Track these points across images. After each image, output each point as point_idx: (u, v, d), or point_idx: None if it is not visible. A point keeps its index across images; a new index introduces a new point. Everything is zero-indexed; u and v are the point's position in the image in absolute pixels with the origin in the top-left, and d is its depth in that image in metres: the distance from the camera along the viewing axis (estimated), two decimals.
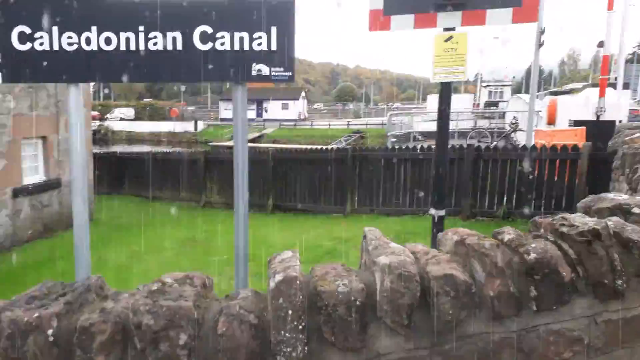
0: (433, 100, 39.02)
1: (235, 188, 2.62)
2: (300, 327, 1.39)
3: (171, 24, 2.37)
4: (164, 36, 2.38)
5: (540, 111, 16.13)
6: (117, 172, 14.07)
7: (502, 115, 29.14)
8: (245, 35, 2.38)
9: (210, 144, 40.80)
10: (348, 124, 52.60)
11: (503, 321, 1.48)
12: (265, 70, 2.42)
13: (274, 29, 2.38)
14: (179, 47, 2.39)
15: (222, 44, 2.39)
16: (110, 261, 6.37)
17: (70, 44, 2.36)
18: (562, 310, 1.50)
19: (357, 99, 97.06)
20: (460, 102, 34.20)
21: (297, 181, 9.85)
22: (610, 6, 10.36)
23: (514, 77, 50.12)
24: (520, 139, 14.34)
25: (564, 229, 1.57)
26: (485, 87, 45.64)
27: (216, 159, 11.64)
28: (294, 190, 9.95)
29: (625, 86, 10.05)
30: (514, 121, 17.07)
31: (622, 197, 1.78)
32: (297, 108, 64.89)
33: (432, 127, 25.67)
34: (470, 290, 1.44)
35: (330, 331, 1.41)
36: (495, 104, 39.86)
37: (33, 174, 8.80)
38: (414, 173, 8.16)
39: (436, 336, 1.45)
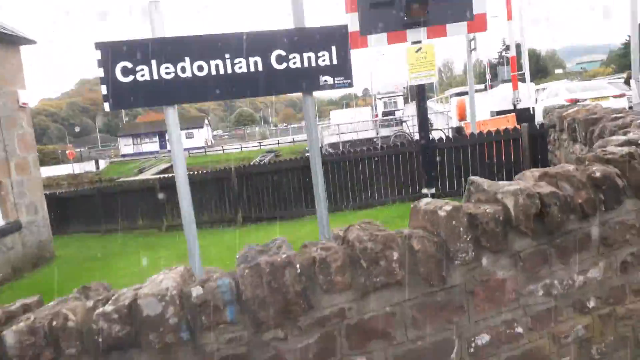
0: (336, 116, 41.45)
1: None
2: (468, 238, 1.96)
3: (252, 50, 2.84)
4: (246, 60, 2.84)
5: (449, 111, 18.24)
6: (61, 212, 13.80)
7: (400, 122, 31.81)
8: (312, 54, 2.92)
9: (119, 180, 39.51)
10: (260, 145, 53.81)
11: (587, 219, 2.15)
12: (330, 80, 2.97)
13: (333, 48, 2.94)
14: (260, 67, 2.86)
15: (295, 63, 2.90)
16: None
17: (168, 74, 2.73)
18: (619, 208, 2.22)
19: (256, 123, 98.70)
20: (362, 115, 36.70)
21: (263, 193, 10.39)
22: (509, 16, 12.45)
23: (404, 87, 54.16)
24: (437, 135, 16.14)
25: (609, 156, 2.29)
26: (380, 99, 48.85)
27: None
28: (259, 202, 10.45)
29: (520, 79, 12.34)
30: (430, 122, 19.10)
31: (630, 136, 2.58)
32: (203, 135, 64.69)
33: (338, 138, 27.53)
34: (566, 199, 2.10)
35: (486, 239, 1.99)
36: (392, 112, 42.70)
37: None
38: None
39: (549, 234, 2.09)
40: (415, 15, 4.71)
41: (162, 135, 61.20)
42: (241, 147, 54.26)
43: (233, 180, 10.55)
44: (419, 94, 5.16)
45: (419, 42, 4.99)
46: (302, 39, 2.91)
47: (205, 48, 2.78)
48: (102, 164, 52.35)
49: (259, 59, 2.85)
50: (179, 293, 1.85)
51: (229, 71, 2.81)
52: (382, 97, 48.58)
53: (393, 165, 8.28)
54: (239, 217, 10.59)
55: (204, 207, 11.13)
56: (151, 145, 61.58)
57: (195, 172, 12.02)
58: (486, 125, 8.40)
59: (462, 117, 15.88)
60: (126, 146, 61.13)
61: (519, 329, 2.12)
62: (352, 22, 4.79)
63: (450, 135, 10.96)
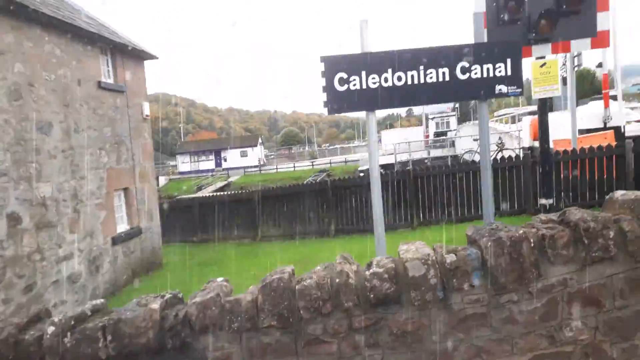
0: (387, 135, 41.43)
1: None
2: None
3: (441, 62, 3.30)
4: (436, 71, 3.30)
5: (521, 130, 18.18)
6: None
7: (452, 144, 31.53)
8: (490, 66, 3.35)
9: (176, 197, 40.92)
10: (312, 165, 54.30)
11: None
12: (504, 89, 3.38)
13: (509, 60, 3.36)
14: (447, 78, 3.32)
15: (476, 73, 3.34)
16: None
17: (374, 83, 3.23)
18: None
19: (301, 142, 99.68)
20: (413, 135, 36.43)
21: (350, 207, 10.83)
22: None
23: (456, 107, 53.21)
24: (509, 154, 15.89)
25: None
26: (432, 119, 48.23)
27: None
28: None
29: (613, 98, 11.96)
30: (499, 142, 18.95)
31: None
32: (257, 154, 65.70)
33: (388, 160, 27.50)
34: None
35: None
36: (444, 133, 42.12)
37: (120, 223, 9.24)
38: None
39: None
40: (542, 32, 5.05)
41: (217, 153, 62.56)
42: (294, 166, 54.93)
43: (328, 192, 11.02)
44: (541, 108, 5.48)
45: (543, 57, 5.32)
46: (482, 52, 3.35)
47: (403, 61, 3.27)
48: (162, 180, 53.86)
49: (446, 70, 3.31)
50: (437, 259, 2.30)
51: (422, 81, 3.28)
52: (435, 117, 48.10)
53: (500, 179, 8.53)
54: (332, 229, 11.07)
55: (299, 218, 11.60)
56: (207, 163, 63.02)
57: (290, 185, 12.45)
58: (581, 142, 8.47)
59: (536, 137, 15.81)
60: (184, 164, 62.82)
61: None
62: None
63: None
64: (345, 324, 2.26)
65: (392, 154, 29.70)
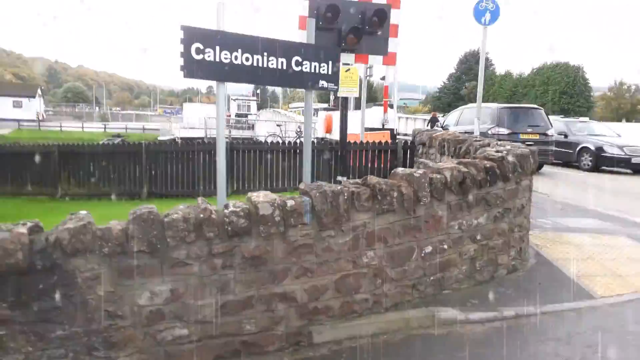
0: (189, 109, 40.85)
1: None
2: (427, 191, 3.48)
3: (281, 53, 3.99)
4: (277, 59, 3.98)
5: (316, 123, 20.60)
6: None
7: (252, 127, 33.24)
8: (317, 64, 4.19)
9: None
10: (105, 128, 50.19)
11: (481, 189, 3.86)
12: (325, 84, 4.26)
13: (330, 62, 4.25)
14: (284, 66, 4.02)
15: (306, 67, 4.12)
16: None
17: (225, 58, 3.73)
18: (494, 185, 3.98)
19: (87, 102, 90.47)
20: (212, 112, 36.80)
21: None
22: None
23: (257, 92, 55.42)
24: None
25: (491, 156, 4.06)
26: (234, 100, 49.22)
27: None
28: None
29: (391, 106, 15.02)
30: (298, 130, 21.00)
31: (498, 148, 4.43)
32: (34, 107, 57.13)
33: (191, 133, 27.60)
34: (473, 177, 3.77)
35: (435, 192, 3.55)
36: (245, 115, 43.57)
37: None
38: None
39: (464, 194, 3.73)
40: (349, 44, 6.24)
41: None
42: (82, 127, 49.69)
43: (142, 156, 10.81)
44: (343, 105, 6.74)
45: (349, 64, 6.54)
46: (312, 51, 4.16)
47: (252, 45, 3.83)
48: None
49: (284, 60, 4.01)
50: (280, 203, 2.98)
51: (265, 65, 3.90)
52: (237, 99, 48.95)
53: (296, 159, 9.68)
54: (144, 191, 10.86)
55: (111, 179, 11.22)
56: None
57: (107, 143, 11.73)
58: (366, 138, 10.39)
59: (328, 130, 18.18)
60: None
61: (444, 246, 3.71)
62: (301, 39, 6.08)
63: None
64: (206, 250, 2.76)
65: (193, 127, 29.57)
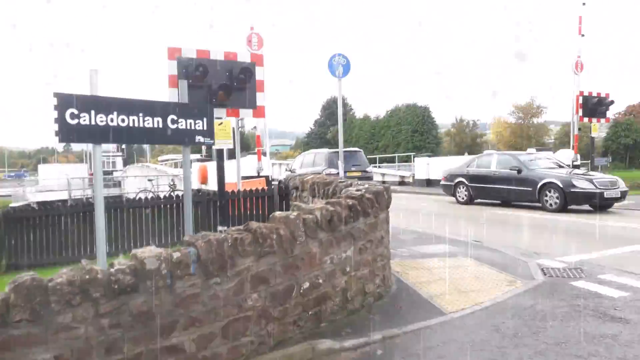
0: (45, 170, 37.81)
1: None
2: (302, 230, 3.93)
3: (156, 113, 4.20)
4: (153, 119, 4.18)
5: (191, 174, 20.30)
6: None
7: (118, 184, 31.89)
8: (192, 121, 4.47)
9: None
10: None
11: (346, 224, 4.42)
12: (201, 139, 4.55)
13: (205, 118, 4.57)
14: (160, 125, 4.23)
15: (182, 125, 4.38)
16: None
17: (101, 121, 3.83)
18: (357, 221, 4.58)
19: None
20: (77, 172, 34.66)
21: None
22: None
23: (122, 148, 53.18)
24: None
25: (353, 195, 4.68)
26: None
27: None
28: None
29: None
30: (171, 183, 20.39)
31: (358, 187, 5.08)
32: None
33: (49, 196, 25.46)
34: (339, 214, 4.32)
35: (309, 231, 4.01)
36: (110, 172, 41.56)
37: None
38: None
39: (332, 231, 4.25)
40: (220, 100, 6.62)
41: None
42: None
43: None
44: (219, 156, 7.03)
45: (221, 117, 6.89)
46: (186, 110, 4.45)
47: (127, 107, 3.98)
48: None
49: (160, 119, 4.22)
50: (167, 256, 3.16)
51: (141, 125, 4.06)
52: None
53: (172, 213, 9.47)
54: (2, 263, 9.57)
55: None
56: None
57: None
58: (243, 186, 10.64)
59: (203, 181, 18.06)
60: None
61: (320, 280, 4.15)
62: (172, 96, 6.32)
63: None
64: (93, 312, 2.81)
65: (51, 190, 27.22)
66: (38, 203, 21.34)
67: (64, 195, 24.93)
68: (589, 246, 7.64)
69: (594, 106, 18.08)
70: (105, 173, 39.57)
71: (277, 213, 4.03)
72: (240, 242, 3.51)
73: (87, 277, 2.82)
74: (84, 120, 3.75)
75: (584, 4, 17.76)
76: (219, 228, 6.64)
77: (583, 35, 18.01)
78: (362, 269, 4.66)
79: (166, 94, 6.22)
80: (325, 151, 16.42)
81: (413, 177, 28.61)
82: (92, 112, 3.79)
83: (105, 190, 22.51)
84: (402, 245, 7.75)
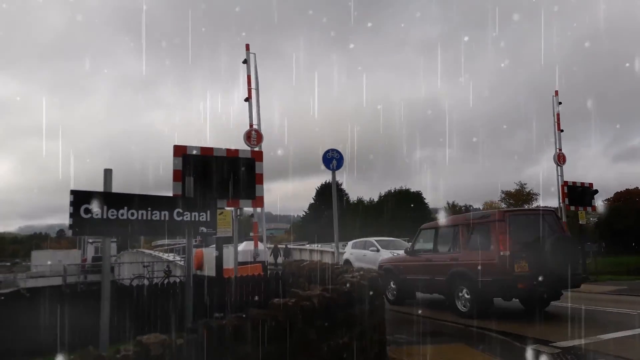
0: (39, 256, 37.74)
1: None
2: (301, 317, 4.12)
3: (164, 207, 4.55)
4: (160, 212, 4.52)
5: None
6: None
7: (112, 270, 31.60)
8: (197, 213, 4.81)
9: None
10: None
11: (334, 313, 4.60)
12: (204, 229, 4.86)
13: (208, 211, 4.92)
14: (167, 218, 4.57)
15: (187, 216, 4.72)
16: None
17: (112, 215, 4.16)
18: (357, 305, 4.76)
19: None
20: (70, 257, 34.41)
21: None
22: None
23: (119, 237, 52.97)
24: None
25: (349, 281, 4.90)
26: (91, 243, 46.62)
27: None
28: None
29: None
30: (167, 269, 20.40)
31: (353, 274, 5.31)
32: None
33: (41, 283, 25.13)
34: (336, 300, 4.53)
35: (307, 317, 4.19)
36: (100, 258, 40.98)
37: None
38: None
39: (332, 314, 4.43)
40: (221, 192, 7.04)
41: None
42: None
43: None
44: (217, 244, 7.34)
45: (222, 208, 7.27)
46: (191, 203, 4.81)
47: (135, 202, 4.34)
48: None
49: (167, 212, 4.57)
50: (170, 342, 3.32)
51: (150, 218, 4.41)
52: (94, 242, 46.28)
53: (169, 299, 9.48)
54: None
55: None
56: None
57: None
58: (240, 272, 10.79)
59: (198, 267, 18.11)
60: None
61: None
62: (176, 189, 6.72)
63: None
64: None
65: (43, 276, 27.07)
66: (28, 289, 20.98)
67: (56, 281, 24.62)
68: None
69: (579, 195, 18.92)
70: (98, 259, 39.17)
71: (276, 300, 4.23)
72: (240, 328, 3.69)
73: None
74: (97, 215, 4.09)
75: (560, 103, 19.15)
76: (216, 315, 6.72)
77: (562, 131, 19.22)
78: (359, 356, 4.75)
79: (171, 188, 6.63)
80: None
81: None
82: (104, 208, 4.14)
83: (98, 276, 22.10)
84: (399, 330, 7.77)
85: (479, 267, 7.40)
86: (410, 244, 11.36)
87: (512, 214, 8.80)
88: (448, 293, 9.22)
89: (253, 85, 11.60)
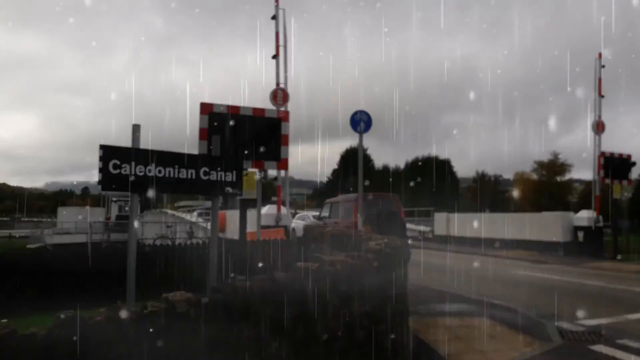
0: (64, 213, 38.84)
1: None
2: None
3: (190, 165, 4.51)
4: (187, 170, 4.48)
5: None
6: None
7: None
8: (222, 173, 4.76)
9: None
10: None
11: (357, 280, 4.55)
12: (230, 190, 4.82)
13: (234, 171, 4.86)
14: (193, 177, 4.53)
15: (213, 176, 4.67)
16: None
17: (140, 172, 4.14)
18: (380, 273, 4.71)
19: None
20: (94, 215, 35.19)
21: None
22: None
23: (143, 196, 53.70)
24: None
25: (373, 248, 4.84)
26: (115, 201, 47.26)
27: None
28: None
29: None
30: (189, 230, 20.82)
31: (377, 241, 5.24)
32: None
33: (66, 239, 25.88)
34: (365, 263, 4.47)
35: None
36: (126, 217, 41.79)
37: None
38: None
39: None
40: (247, 152, 6.97)
41: None
42: None
43: None
44: (242, 206, 7.38)
45: (246, 169, 7.21)
46: (218, 162, 4.75)
47: (163, 159, 4.31)
48: None
49: (193, 171, 4.52)
50: (195, 300, 3.33)
51: (176, 176, 4.37)
52: (118, 201, 46.80)
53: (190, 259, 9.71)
54: None
55: None
56: None
57: None
58: (263, 235, 10.94)
59: (221, 229, 18.38)
60: None
61: (339, 334, 4.23)
62: (202, 148, 6.66)
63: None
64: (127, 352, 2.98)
65: (68, 233, 27.96)
66: (53, 245, 21.67)
67: (81, 239, 25.33)
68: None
69: (616, 167, 17.93)
70: (122, 218, 40.09)
71: (299, 264, 4.20)
72: (263, 291, 3.68)
73: (123, 317, 3.01)
74: (125, 171, 4.07)
75: (603, 66, 18.08)
76: (238, 277, 6.78)
77: (603, 96, 18.20)
78: (380, 324, 4.73)
79: (197, 146, 6.58)
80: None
81: (432, 232, 28.36)
82: (133, 164, 4.12)
83: (121, 235, 22.50)
84: (420, 302, 7.75)
85: (347, 226, 9.83)
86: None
87: (364, 198, 12.42)
88: None
89: (281, 42, 11.26)
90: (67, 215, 38.83)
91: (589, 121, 18.49)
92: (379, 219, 11.94)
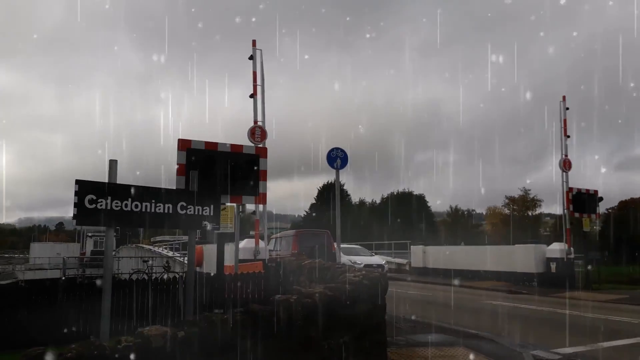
0: (37, 248, 38.08)
1: None
2: (303, 315, 4.09)
3: (167, 200, 4.53)
4: (164, 205, 4.50)
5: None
6: None
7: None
8: (200, 207, 4.79)
9: None
10: None
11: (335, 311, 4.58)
12: (208, 225, 4.84)
13: (212, 206, 4.89)
14: (171, 211, 4.54)
15: (190, 211, 4.70)
16: None
17: (116, 206, 4.14)
18: (359, 304, 4.73)
19: None
20: (69, 251, 34.46)
21: None
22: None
23: (117, 229, 52.90)
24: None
25: (351, 280, 4.88)
26: (90, 237, 46.61)
27: None
28: None
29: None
30: (166, 264, 20.48)
31: (355, 273, 5.28)
32: None
33: (39, 275, 25.17)
34: (338, 296, 4.50)
35: (310, 314, 4.17)
36: (102, 252, 41.14)
37: None
38: None
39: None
40: (225, 187, 7.01)
41: None
42: None
43: None
44: (219, 240, 7.31)
45: (224, 203, 7.23)
46: (195, 197, 4.78)
47: (139, 194, 4.32)
48: None
49: (171, 205, 4.54)
50: (171, 334, 3.30)
51: (153, 210, 4.38)
52: (93, 236, 46.24)
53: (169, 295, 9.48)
54: None
55: None
56: None
57: None
58: (241, 269, 10.81)
59: (198, 263, 18.11)
60: None
61: None
62: (180, 183, 6.68)
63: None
64: None
65: (41, 268, 27.29)
66: (26, 282, 20.84)
67: (55, 274, 24.65)
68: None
69: (583, 202, 18.77)
70: (97, 253, 39.08)
71: (277, 297, 4.20)
72: (241, 324, 3.67)
73: (96, 352, 2.96)
74: (101, 205, 4.07)
75: (567, 108, 18.95)
76: (215, 311, 6.69)
77: (569, 136, 19.00)
78: (359, 355, 4.72)
79: (174, 182, 6.60)
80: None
81: (409, 264, 28.47)
82: (109, 198, 4.12)
83: (96, 270, 22.07)
84: (398, 333, 7.74)
85: (289, 258, 10.73)
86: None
87: (301, 233, 17.97)
88: None
89: (259, 81, 11.52)
90: (40, 251, 37.79)
91: (554, 160, 19.25)
92: (312, 250, 14.67)
